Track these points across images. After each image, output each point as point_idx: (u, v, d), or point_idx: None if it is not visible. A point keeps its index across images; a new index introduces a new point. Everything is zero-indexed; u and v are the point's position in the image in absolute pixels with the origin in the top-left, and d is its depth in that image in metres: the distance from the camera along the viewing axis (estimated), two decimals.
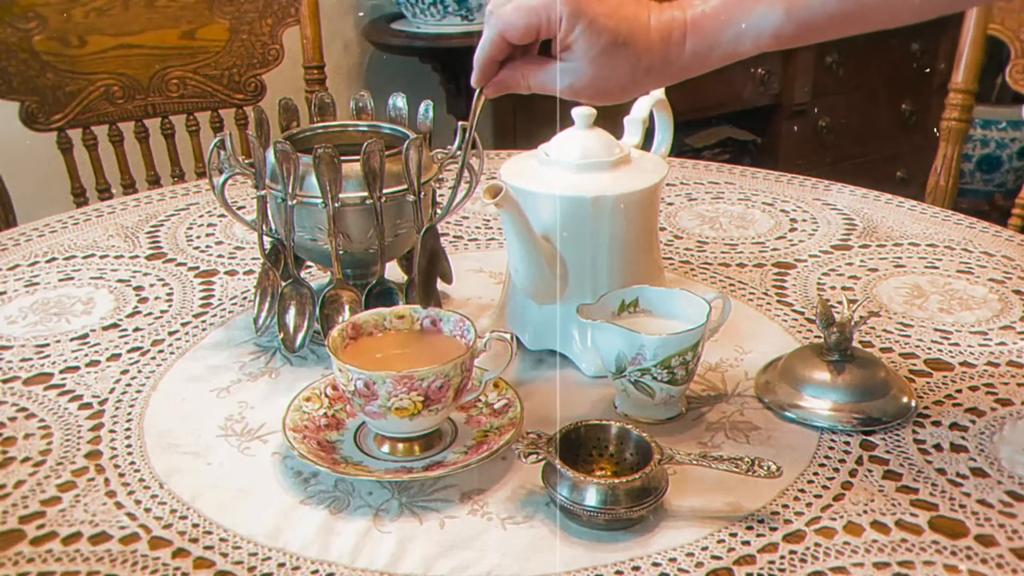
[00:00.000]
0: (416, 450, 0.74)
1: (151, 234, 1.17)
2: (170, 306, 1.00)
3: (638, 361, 0.76)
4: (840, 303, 0.81)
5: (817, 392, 0.79)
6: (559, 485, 0.67)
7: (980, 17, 1.38)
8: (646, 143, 0.92)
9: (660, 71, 0.72)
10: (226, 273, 1.07)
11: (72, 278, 1.06)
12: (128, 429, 0.79)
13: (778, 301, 0.99)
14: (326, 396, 0.79)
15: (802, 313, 0.96)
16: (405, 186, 0.86)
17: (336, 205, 0.84)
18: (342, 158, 0.83)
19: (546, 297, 0.84)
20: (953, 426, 0.78)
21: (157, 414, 0.82)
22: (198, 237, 1.17)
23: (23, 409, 0.82)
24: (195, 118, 1.58)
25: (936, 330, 0.93)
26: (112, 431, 0.79)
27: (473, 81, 0.75)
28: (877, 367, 0.81)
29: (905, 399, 0.80)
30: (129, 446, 0.77)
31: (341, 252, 0.87)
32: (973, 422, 0.78)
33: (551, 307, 0.85)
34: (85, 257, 1.11)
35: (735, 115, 2.68)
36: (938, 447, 0.75)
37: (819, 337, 0.84)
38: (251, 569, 0.64)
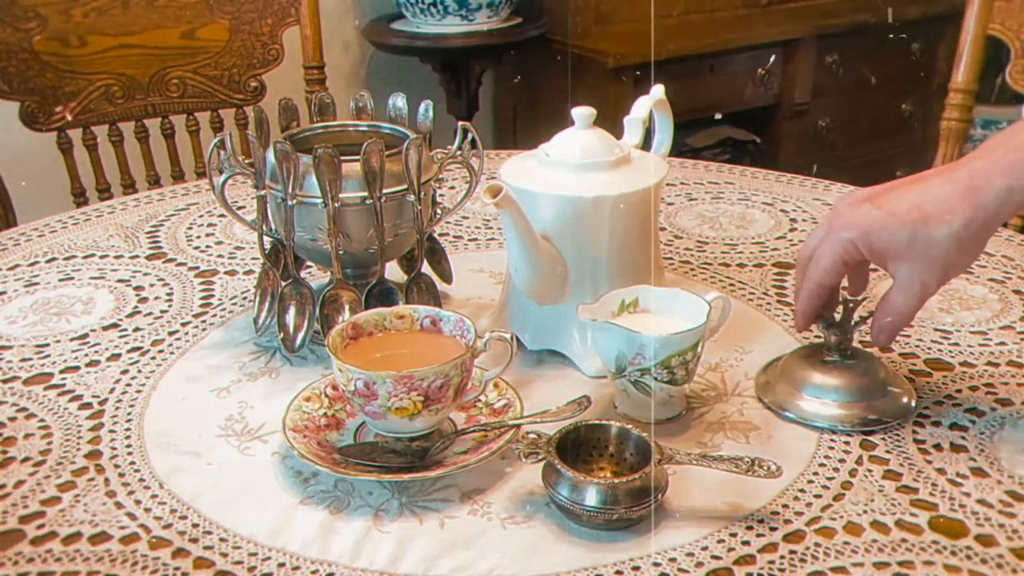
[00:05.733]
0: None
1: (151, 234, 1.17)
2: (170, 306, 1.00)
3: (638, 361, 0.76)
4: (840, 303, 0.81)
5: (817, 392, 0.79)
6: (559, 485, 0.67)
7: (980, 17, 1.38)
8: (646, 143, 0.92)
9: (981, 222, 0.70)
10: (226, 273, 1.07)
11: (72, 278, 1.06)
12: (128, 429, 0.79)
13: (778, 301, 0.99)
14: (326, 396, 0.79)
15: None
16: (405, 186, 0.86)
17: (336, 205, 0.84)
18: (342, 158, 0.83)
19: (546, 297, 0.84)
20: (953, 426, 0.78)
21: (157, 414, 0.82)
22: (198, 237, 1.17)
23: (23, 409, 0.82)
24: (195, 118, 1.58)
25: (936, 330, 0.93)
26: (112, 431, 0.79)
27: (800, 326, 0.80)
28: (877, 367, 0.81)
29: (905, 399, 0.80)
30: (129, 446, 0.77)
31: (341, 252, 0.87)
32: (973, 422, 0.78)
33: (551, 307, 0.85)
34: (85, 257, 1.11)
35: (735, 115, 2.68)
36: (938, 447, 0.75)
37: (819, 337, 0.84)
38: (251, 569, 0.64)
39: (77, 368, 0.88)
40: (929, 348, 0.90)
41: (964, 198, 0.70)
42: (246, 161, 0.87)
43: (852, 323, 0.80)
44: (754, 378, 0.84)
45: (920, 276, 0.72)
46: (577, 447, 0.70)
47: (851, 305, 0.80)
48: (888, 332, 0.77)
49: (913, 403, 0.80)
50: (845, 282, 1.00)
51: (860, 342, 0.89)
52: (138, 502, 0.71)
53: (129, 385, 0.86)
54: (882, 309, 0.76)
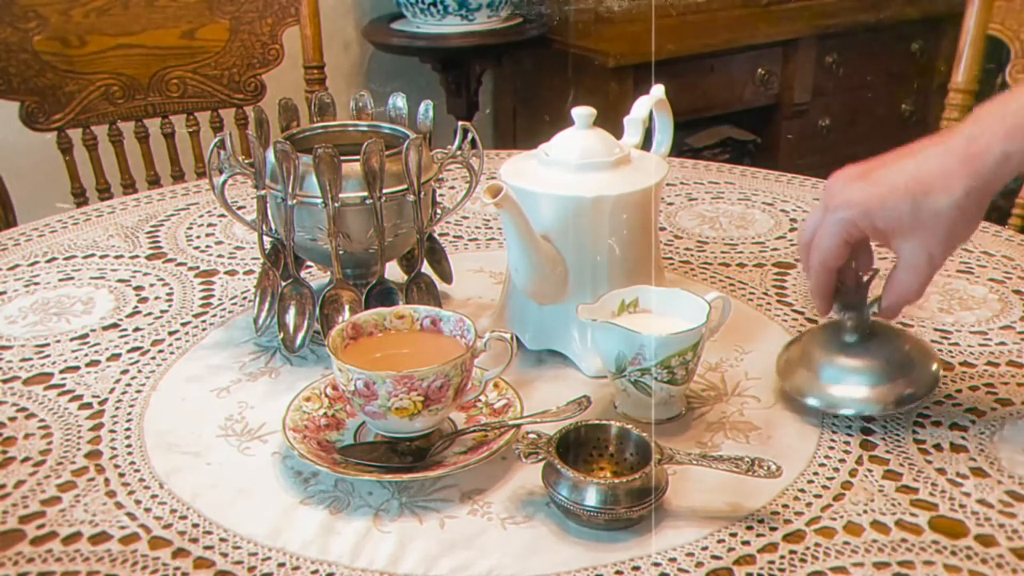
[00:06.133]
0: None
1: (151, 234, 1.17)
2: (170, 306, 1.00)
3: (638, 361, 0.76)
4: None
5: (839, 376, 0.77)
6: (559, 485, 0.67)
7: (980, 17, 1.38)
8: (646, 143, 0.92)
9: (980, 189, 0.69)
10: (226, 273, 1.07)
11: (72, 278, 1.06)
12: (128, 429, 0.79)
13: (778, 301, 0.99)
14: (326, 396, 0.79)
15: (802, 313, 0.96)
16: (405, 186, 0.86)
17: (336, 205, 0.84)
18: (342, 158, 0.83)
19: (546, 297, 0.84)
20: (953, 426, 0.78)
21: (157, 414, 0.82)
22: (198, 237, 1.17)
23: (23, 409, 0.82)
24: (195, 118, 1.58)
25: (936, 330, 0.93)
26: (112, 431, 0.79)
27: (821, 311, 0.79)
28: (901, 340, 0.80)
29: (934, 366, 0.78)
30: (129, 446, 0.77)
31: (341, 252, 0.87)
32: (973, 422, 0.78)
33: (551, 307, 0.85)
34: (85, 257, 1.11)
35: (735, 115, 2.68)
36: (938, 447, 0.75)
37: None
38: (251, 569, 0.64)
39: (77, 368, 0.88)
40: None
41: (963, 165, 0.69)
42: (246, 161, 0.87)
43: (868, 302, 0.78)
44: (775, 359, 0.83)
45: (926, 249, 0.71)
46: (577, 447, 0.70)
47: (863, 283, 0.78)
48: (897, 310, 0.75)
49: (942, 371, 0.78)
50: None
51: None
52: (138, 502, 0.71)
53: (129, 385, 0.86)
54: (890, 288, 0.74)
